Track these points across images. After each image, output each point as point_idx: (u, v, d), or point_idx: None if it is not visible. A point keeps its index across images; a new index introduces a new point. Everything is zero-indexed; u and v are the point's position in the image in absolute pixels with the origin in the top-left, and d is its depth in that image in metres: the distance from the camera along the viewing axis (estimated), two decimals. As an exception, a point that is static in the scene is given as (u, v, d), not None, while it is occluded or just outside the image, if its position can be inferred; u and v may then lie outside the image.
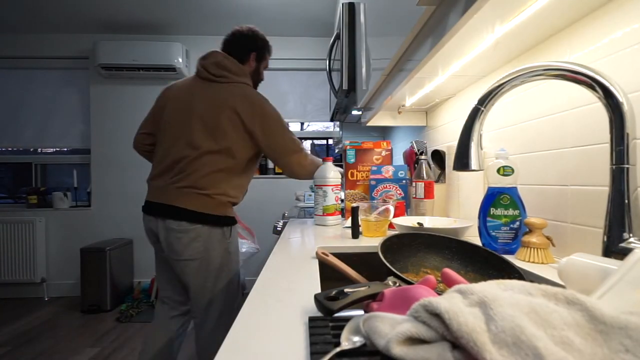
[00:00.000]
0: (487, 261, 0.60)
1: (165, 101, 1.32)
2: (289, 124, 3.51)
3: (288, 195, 3.09)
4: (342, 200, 1.30)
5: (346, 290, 0.40)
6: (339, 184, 1.24)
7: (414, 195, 1.11)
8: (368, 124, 1.55)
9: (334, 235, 1.00)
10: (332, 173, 1.23)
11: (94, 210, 3.06)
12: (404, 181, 1.24)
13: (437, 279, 0.54)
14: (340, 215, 1.24)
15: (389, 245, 0.60)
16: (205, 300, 1.27)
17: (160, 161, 1.27)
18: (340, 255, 0.81)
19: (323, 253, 0.68)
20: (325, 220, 1.21)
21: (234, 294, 1.34)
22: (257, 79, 1.44)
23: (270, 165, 3.16)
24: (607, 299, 0.28)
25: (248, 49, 1.38)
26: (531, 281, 0.49)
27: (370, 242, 0.89)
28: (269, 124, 1.27)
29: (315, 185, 1.25)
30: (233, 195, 1.29)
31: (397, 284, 0.43)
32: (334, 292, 0.39)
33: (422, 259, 0.63)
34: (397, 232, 0.63)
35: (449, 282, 0.38)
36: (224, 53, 1.33)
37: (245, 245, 1.85)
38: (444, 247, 0.65)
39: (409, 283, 0.44)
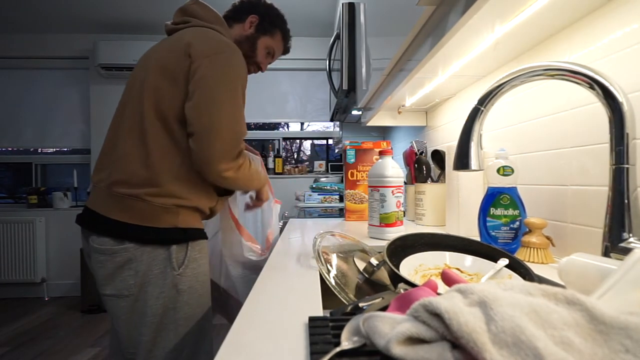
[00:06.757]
0: (490, 256, 0.59)
1: None
2: (289, 124, 3.51)
3: (288, 195, 3.09)
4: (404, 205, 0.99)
5: (361, 304, 0.39)
6: (401, 184, 0.94)
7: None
8: (368, 124, 1.55)
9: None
10: (390, 170, 0.93)
11: (94, 210, 3.06)
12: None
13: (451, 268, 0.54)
14: (402, 226, 0.95)
15: (393, 249, 0.60)
16: None
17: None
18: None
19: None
20: (383, 233, 0.93)
21: (190, 355, 0.87)
22: (249, 50, 1.05)
23: (270, 165, 3.14)
24: (607, 299, 0.29)
25: (246, 9, 1.07)
26: (532, 280, 0.50)
27: (373, 241, 0.89)
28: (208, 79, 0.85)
29: (369, 187, 0.97)
30: (184, 197, 0.86)
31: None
32: (349, 308, 0.39)
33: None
34: (400, 235, 0.63)
35: (448, 282, 0.38)
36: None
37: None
38: (447, 246, 0.64)
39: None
